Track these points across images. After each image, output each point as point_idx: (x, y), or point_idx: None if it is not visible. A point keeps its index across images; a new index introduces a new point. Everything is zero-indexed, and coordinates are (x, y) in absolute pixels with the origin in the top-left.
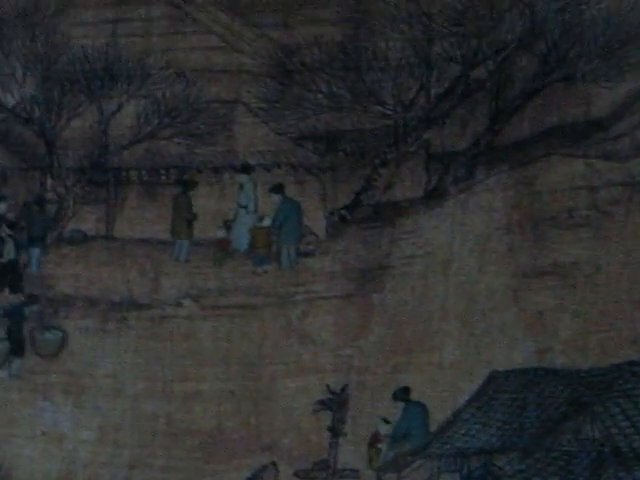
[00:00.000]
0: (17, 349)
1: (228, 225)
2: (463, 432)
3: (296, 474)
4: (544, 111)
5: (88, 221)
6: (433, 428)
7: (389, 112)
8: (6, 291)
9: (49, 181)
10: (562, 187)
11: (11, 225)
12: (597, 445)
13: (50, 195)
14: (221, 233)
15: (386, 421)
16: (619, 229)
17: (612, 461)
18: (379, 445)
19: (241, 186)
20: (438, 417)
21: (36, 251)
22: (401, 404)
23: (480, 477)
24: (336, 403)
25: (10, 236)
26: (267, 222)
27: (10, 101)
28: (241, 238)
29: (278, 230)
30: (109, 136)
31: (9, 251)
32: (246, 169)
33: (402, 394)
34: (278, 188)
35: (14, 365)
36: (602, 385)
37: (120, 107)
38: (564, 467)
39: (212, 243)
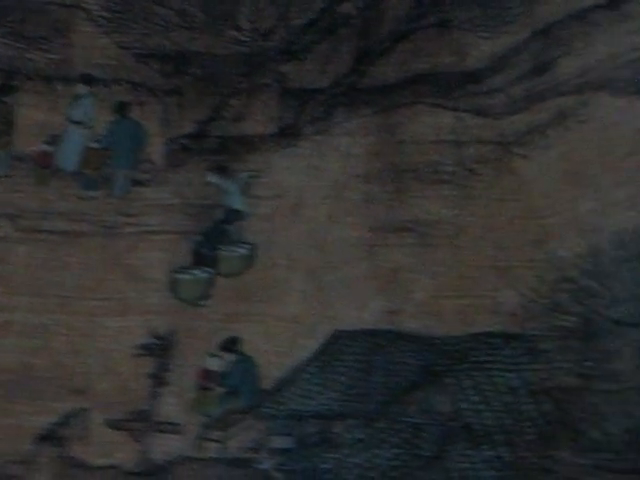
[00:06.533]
0: None
1: (54, 140)
2: (300, 393)
3: (110, 424)
4: (414, 57)
5: None
6: (267, 386)
7: (244, 39)
8: None
9: None
10: (427, 139)
11: None
12: (446, 419)
13: None
14: (44, 147)
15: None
16: (486, 190)
17: (461, 437)
18: (209, 386)
19: (76, 99)
20: (274, 374)
21: None
22: (230, 356)
23: (315, 444)
24: (160, 348)
25: None
26: (99, 143)
27: None
28: (69, 157)
29: (109, 152)
30: None
31: None
32: (86, 80)
33: (230, 344)
34: (121, 107)
35: None
36: (456, 355)
37: None
38: (408, 440)
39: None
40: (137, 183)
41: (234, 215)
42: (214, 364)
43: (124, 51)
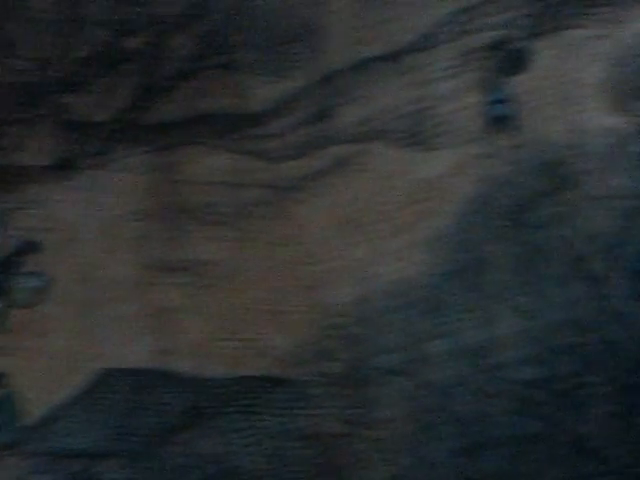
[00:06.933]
0: None
1: None
2: (64, 431)
3: None
4: (196, 97)
5: None
6: (31, 422)
7: (22, 68)
8: None
9: None
10: (204, 179)
11: None
12: (212, 461)
13: None
14: None
15: None
16: (262, 233)
17: None
18: None
19: None
20: (38, 411)
21: None
22: None
23: None
24: None
25: None
26: None
27: None
28: None
29: None
30: None
31: None
32: None
33: None
34: None
35: None
36: (223, 397)
37: None
38: None
39: None
40: None
41: (28, 246)
42: None
43: None
